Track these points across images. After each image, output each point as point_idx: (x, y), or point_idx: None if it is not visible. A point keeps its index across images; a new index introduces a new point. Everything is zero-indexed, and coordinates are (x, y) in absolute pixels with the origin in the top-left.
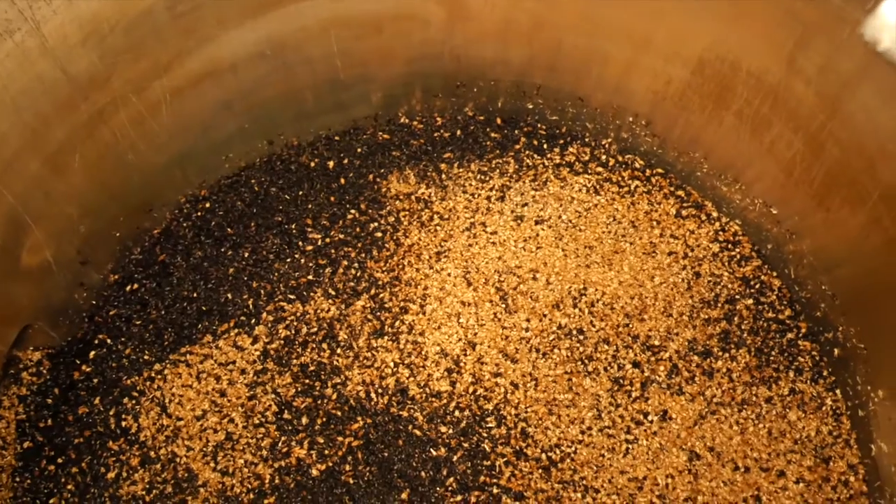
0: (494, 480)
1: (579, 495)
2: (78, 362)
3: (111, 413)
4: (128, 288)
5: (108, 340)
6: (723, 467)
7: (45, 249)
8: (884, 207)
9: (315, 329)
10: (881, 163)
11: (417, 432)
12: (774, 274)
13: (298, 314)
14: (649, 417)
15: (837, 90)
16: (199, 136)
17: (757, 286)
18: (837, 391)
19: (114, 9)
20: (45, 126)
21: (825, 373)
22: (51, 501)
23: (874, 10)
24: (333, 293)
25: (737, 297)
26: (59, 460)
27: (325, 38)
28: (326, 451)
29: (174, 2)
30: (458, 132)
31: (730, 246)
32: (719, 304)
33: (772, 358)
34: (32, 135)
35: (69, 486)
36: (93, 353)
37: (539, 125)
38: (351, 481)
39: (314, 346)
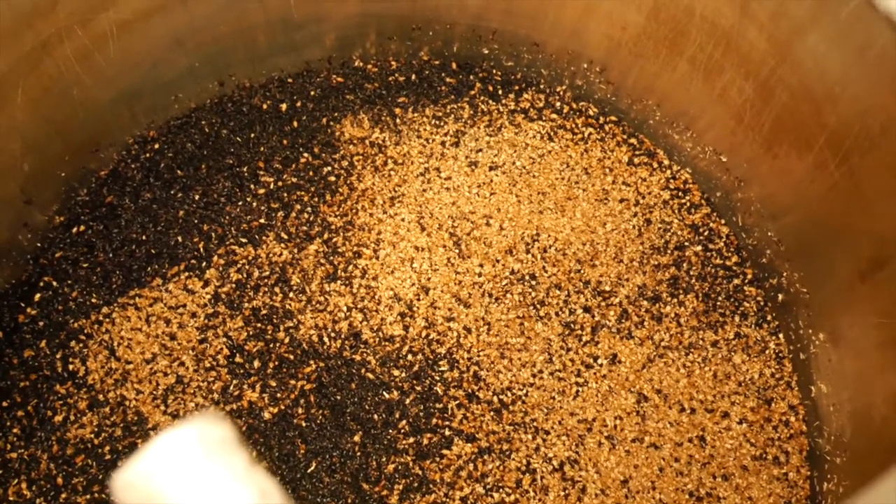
0: (447, 423)
1: (530, 437)
2: (23, 305)
3: (58, 356)
4: (74, 230)
5: (54, 283)
6: (669, 409)
7: None
8: (829, 152)
9: (267, 273)
10: (827, 107)
11: (370, 376)
12: (723, 221)
13: (250, 258)
14: (599, 361)
15: (788, 35)
16: (148, 74)
17: (706, 233)
18: (780, 335)
19: None
20: None
21: (769, 317)
22: None
23: None
24: (286, 237)
25: (686, 243)
26: (4, 403)
27: None
28: (279, 395)
29: None
30: (413, 76)
31: (680, 193)
32: (669, 251)
33: (718, 303)
34: None
35: (15, 430)
36: (38, 295)
37: (494, 71)
38: (303, 424)
39: (266, 289)
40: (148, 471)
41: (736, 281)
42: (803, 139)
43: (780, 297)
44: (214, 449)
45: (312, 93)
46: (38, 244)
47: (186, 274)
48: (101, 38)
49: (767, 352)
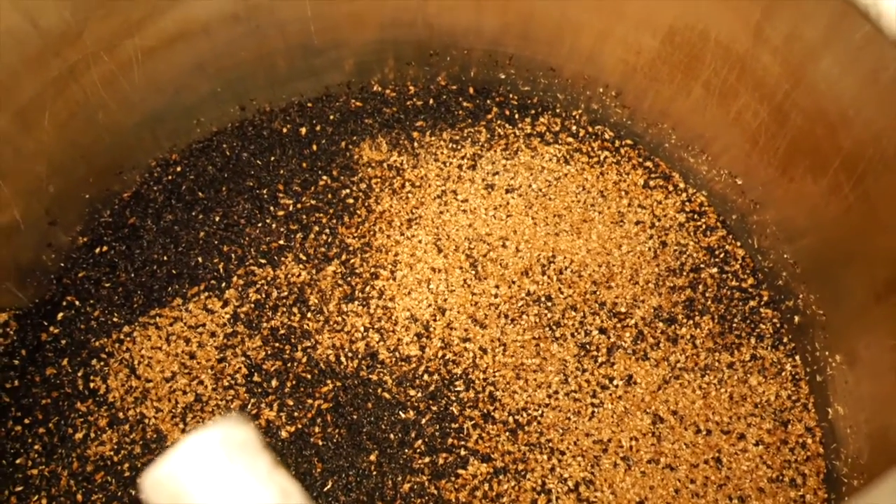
0: (462, 443)
1: (545, 457)
2: (45, 323)
3: (79, 374)
4: (97, 250)
5: (77, 302)
6: (685, 430)
7: (13, 207)
8: (844, 175)
9: (286, 293)
10: (842, 130)
11: (387, 395)
12: (738, 244)
13: (269, 278)
14: (615, 382)
15: (802, 59)
16: (171, 98)
17: (721, 255)
18: (797, 357)
19: None
20: (15, 80)
21: (785, 339)
22: (17, 461)
23: None
24: (304, 258)
25: (701, 265)
26: (26, 421)
27: (299, 1)
28: (296, 414)
29: None
30: (431, 101)
31: (696, 216)
32: (684, 273)
33: (734, 325)
34: (1, 89)
35: (36, 447)
36: (61, 314)
37: (511, 95)
38: (320, 443)
39: (284, 310)
40: (174, 471)
41: (752, 303)
42: (818, 162)
43: (797, 319)
44: (237, 451)
45: (331, 117)
46: (62, 264)
47: (206, 294)
48: (126, 64)
49: (784, 374)
